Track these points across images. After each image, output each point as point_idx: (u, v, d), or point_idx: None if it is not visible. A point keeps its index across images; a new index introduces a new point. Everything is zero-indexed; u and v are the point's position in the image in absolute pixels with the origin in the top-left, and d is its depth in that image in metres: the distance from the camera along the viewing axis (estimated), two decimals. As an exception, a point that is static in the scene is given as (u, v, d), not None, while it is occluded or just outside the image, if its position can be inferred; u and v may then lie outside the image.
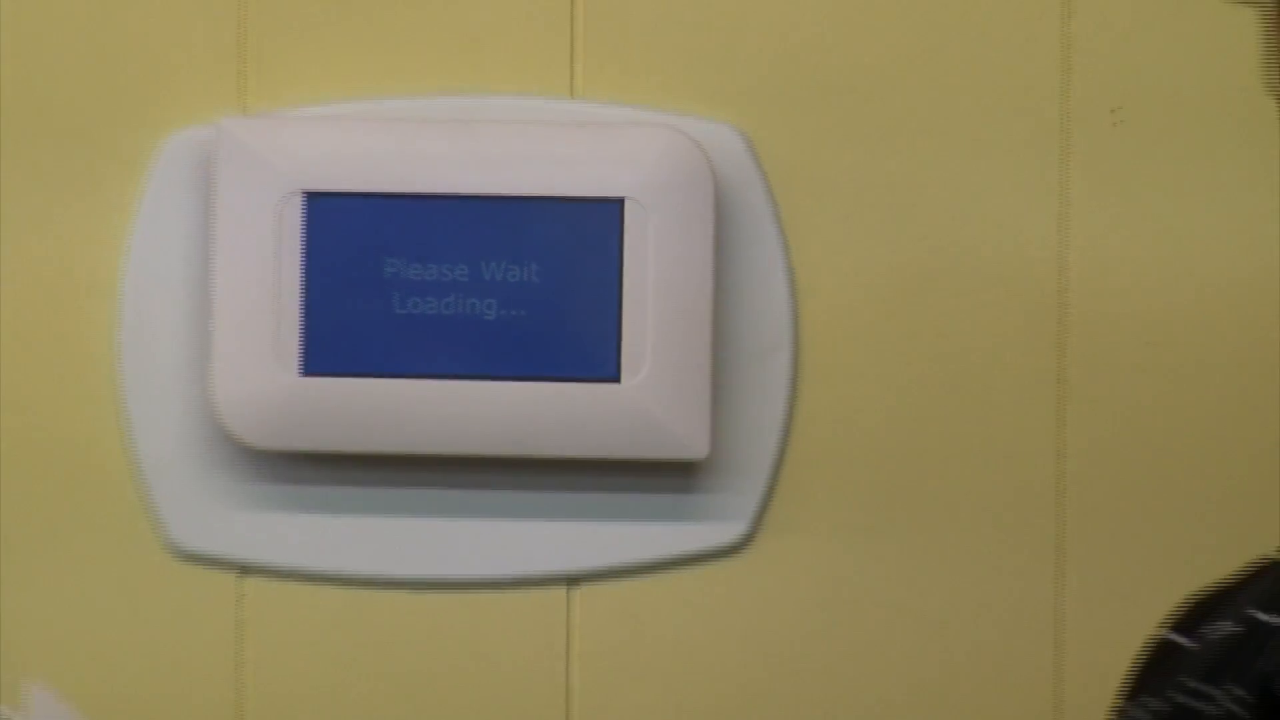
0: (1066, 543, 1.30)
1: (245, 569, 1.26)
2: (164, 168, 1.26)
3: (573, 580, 1.28)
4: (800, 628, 1.32)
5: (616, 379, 1.21)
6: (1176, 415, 1.25)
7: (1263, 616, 1.09)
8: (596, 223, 1.22)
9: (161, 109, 1.29)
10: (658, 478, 1.27)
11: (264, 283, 1.23)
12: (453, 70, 1.31)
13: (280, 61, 1.33)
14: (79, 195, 1.31)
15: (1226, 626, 1.10)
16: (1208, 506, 1.26)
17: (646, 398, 1.23)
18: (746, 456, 1.26)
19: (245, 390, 1.22)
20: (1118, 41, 1.30)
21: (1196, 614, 1.05)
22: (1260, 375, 1.27)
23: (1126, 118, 1.40)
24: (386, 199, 1.22)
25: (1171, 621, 1.05)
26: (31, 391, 1.31)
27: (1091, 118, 1.31)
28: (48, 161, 1.31)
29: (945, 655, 1.36)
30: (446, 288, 1.22)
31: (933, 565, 1.33)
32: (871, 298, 1.31)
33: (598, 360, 1.22)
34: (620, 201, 1.22)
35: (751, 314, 1.27)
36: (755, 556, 1.27)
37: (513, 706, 1.34)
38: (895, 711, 1.34)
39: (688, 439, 1.22)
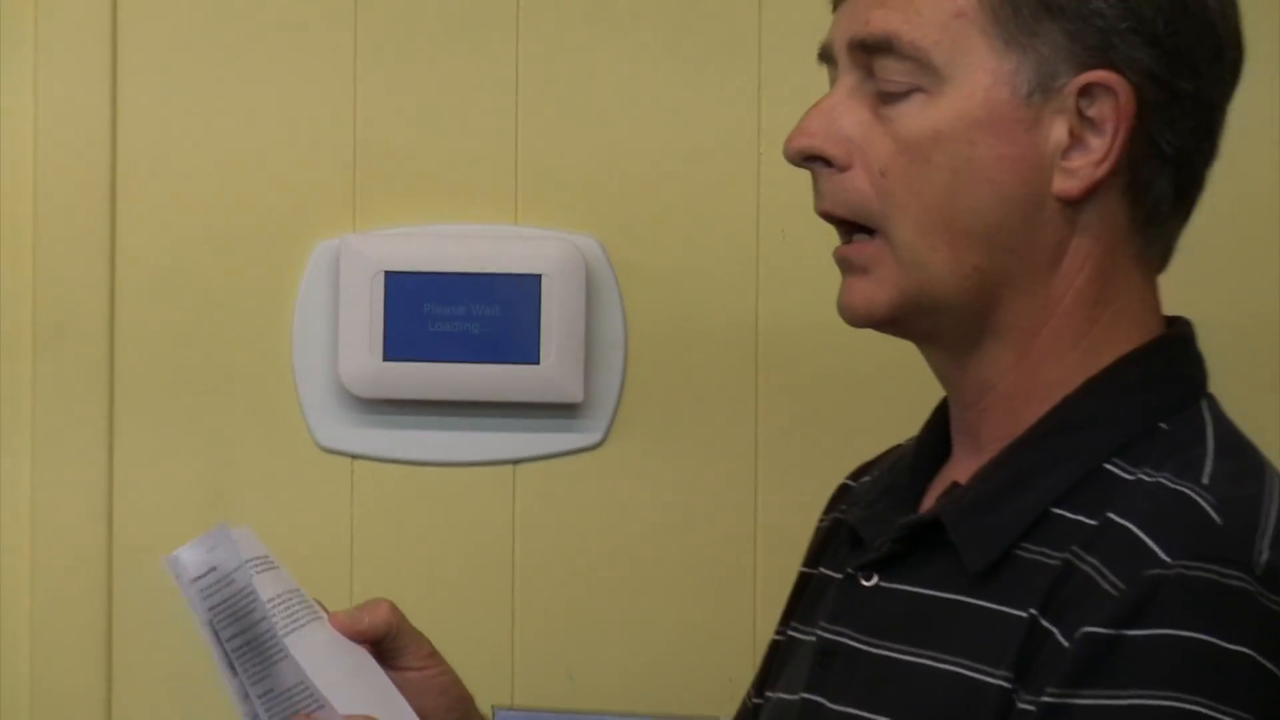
0: (760, 451, 1.99)
1: (354, 456, 2.01)
2: (314, 261, 2.03)
3: (517, 462, 2.02)
4: (627, 483, 2.03)
5: (538, 363, 1.98)
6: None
7: (850, 483, 1.64)
8: (529, 286, 1.98)
9: (311, 230, 2.03)
10: (559, 411, 2.02)
11: (364, 315, 1.98)
12: (456, 208, 2.03)
13: (371, 205, 2.04)
14: (269, 276, 2.05)
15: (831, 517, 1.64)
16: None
17: (553, 372, 1.98)
18: (601, 401, 2.02)
19: (354, 368, 1.99)
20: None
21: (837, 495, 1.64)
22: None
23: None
24: (424, 273, 1.99)
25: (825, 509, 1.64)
26: (250, 375, 2.05)
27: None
28: (249, 258, 2.05)
29: (691, 506, 2.03)
30: (453, 318, 1.97)
31: (683, 458, 2.04)
32: (676, 315, 2.02)
33: (529, 353, 1.98)
34: (540, 275, 1.98)
35: (606, 330, 2.01)
36: (606, 451, 2.01)
37: (487, 519, 2.05)
38: (668, 529, 2.02)
39: (572, 391, 1.99)
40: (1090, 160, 1.40)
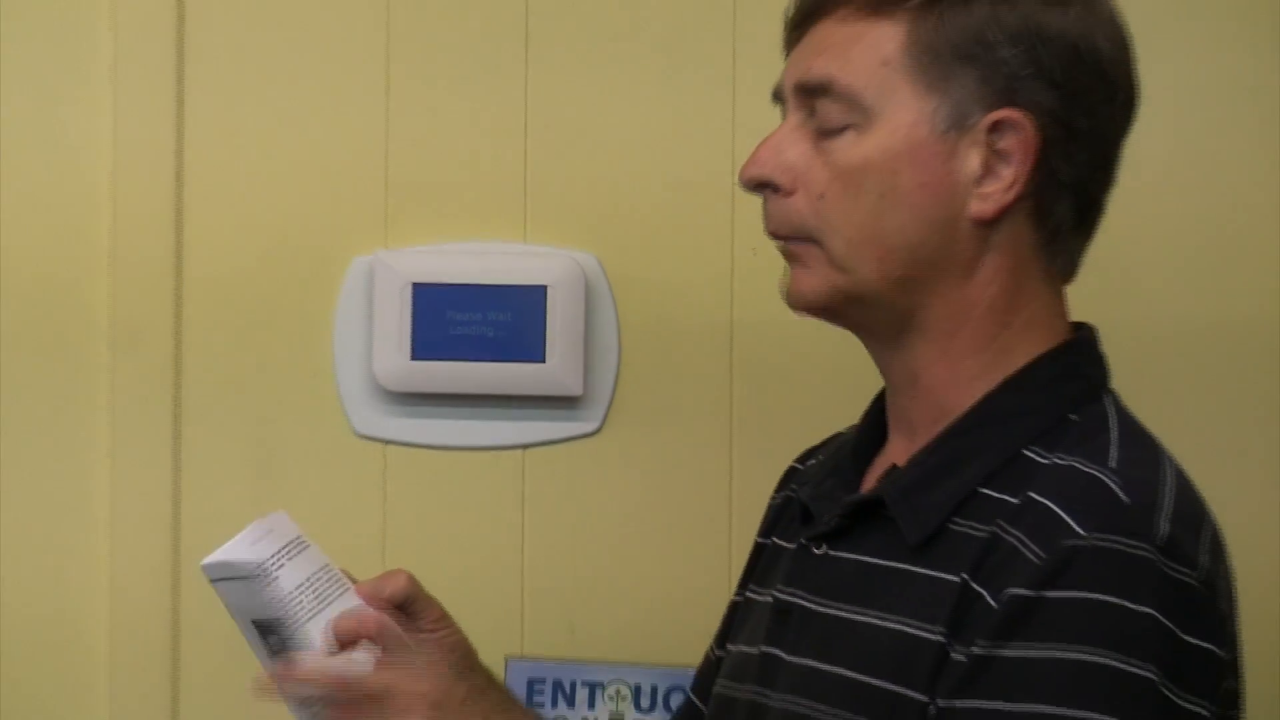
0: (733, 436, 2.09)
1: (386, 442, 2.12)
2: (351, 274, 2.13)
3: (525, 447, 2.13)
4: (620, 465, 2.13)
5: (544, 361, 2.08)
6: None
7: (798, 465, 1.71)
8: (536, 295, 2.08)
9: (348, 246, 2.14)
10: (562, 403, 2.12)
11: (395, 320, 2.08)
12: (474, 228, 2.13)
13: (400, 226, 2.13)
14: (313, 288, 2.15)
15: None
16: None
17: (556, 369, 2.08)
18: (599, 395, 2.13)
19: (386, 365, 2.09)
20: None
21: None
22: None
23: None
24: (446, 285, 2.08)
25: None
26: (297, 372, 2.14)
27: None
28: (296, 272, 2.14)
29: (675, 484, 2.13)
30: (471, 323, 2.09)
31: (669, 443, 2.12)
32: (662, 320, 2.12)
33: (536, 353, 2.09)
34: (545, 286, 2.08)
35: (602, 333, 2.12)
36: (603, 437, 2.13)
37: (500, 496, 2.13)
38: (655, 504, 2.11)
39: (573, 386, 2.09)
40: (1000, 187, 1.46)
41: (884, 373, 1.56)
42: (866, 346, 1.55)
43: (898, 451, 1.55)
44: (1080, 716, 1.36)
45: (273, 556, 1.49)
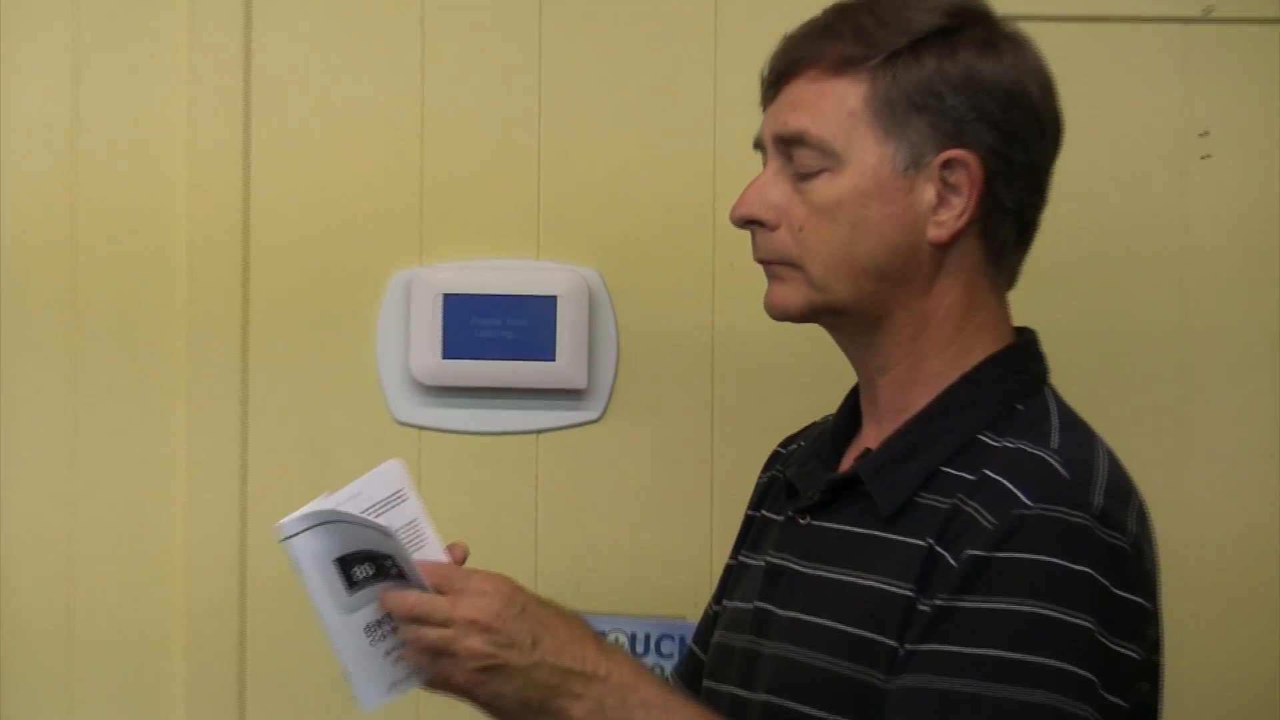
0: (714, 424, 2.17)
1: (421, 428, 2.20)
2: (392, 286, 2.19)
3: (539, 432, 2.20)
4: (619, 447, 2.19)
5: (554, 360, 2.15)
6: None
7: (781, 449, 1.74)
8: (547, 304, 2.15)
9: (389, 263, 2.20)
10: (569, 395, 2.19)
11: (428, 324, 2.15)
12: (495, 247, 2.20)
13: (433, 246, 2.20)
14: (360, 297, 2.20)
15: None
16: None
17: (565, 366, 2.15)
18: (600, 388, 2.19)
19: (421, 363, 2.16)
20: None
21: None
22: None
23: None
24: (471, 295, 2.15)
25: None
26: (346, 368, 2.19)
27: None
28: (346, 284, 2.20)
29: (665, 464, 2.18)
30: (492, 327, 2.15)
31: (659, 429, 2.19)
32: (654, 326, 2.18)
33: (548, 353, 2.16)
34: (555, 296, 2.15)
35: (603, 336, 2.19)
36: (604, 424, 2.20)
37: (517, 473, 2.19)
38: (653, 483, 2.17)
39: (579, 380, 2.16)
40: (952, 214, 1.51)
41: (858, 369, 1.60)
42: (841, 346, 1.59)
43: (870, 437, 1.59)
44: (1026, 659, 1.39)
45: (396, 493, 1.50)
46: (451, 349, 2.17)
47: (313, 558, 1.46)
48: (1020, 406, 1.54)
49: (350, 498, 1.48)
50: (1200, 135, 2.22)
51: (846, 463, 1.61)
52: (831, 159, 1.51)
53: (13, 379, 2.23)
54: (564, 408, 2.22)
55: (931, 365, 1.56)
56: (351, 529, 1.46)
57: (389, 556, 1.47)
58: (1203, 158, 2.23)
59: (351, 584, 1.47)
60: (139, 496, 2.23)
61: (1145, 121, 2.23)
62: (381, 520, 1.47)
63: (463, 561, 1.56)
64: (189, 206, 2.21)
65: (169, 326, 2.22)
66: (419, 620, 1.47)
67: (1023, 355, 1.59)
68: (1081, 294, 2.22)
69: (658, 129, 2.19)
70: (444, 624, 1.46)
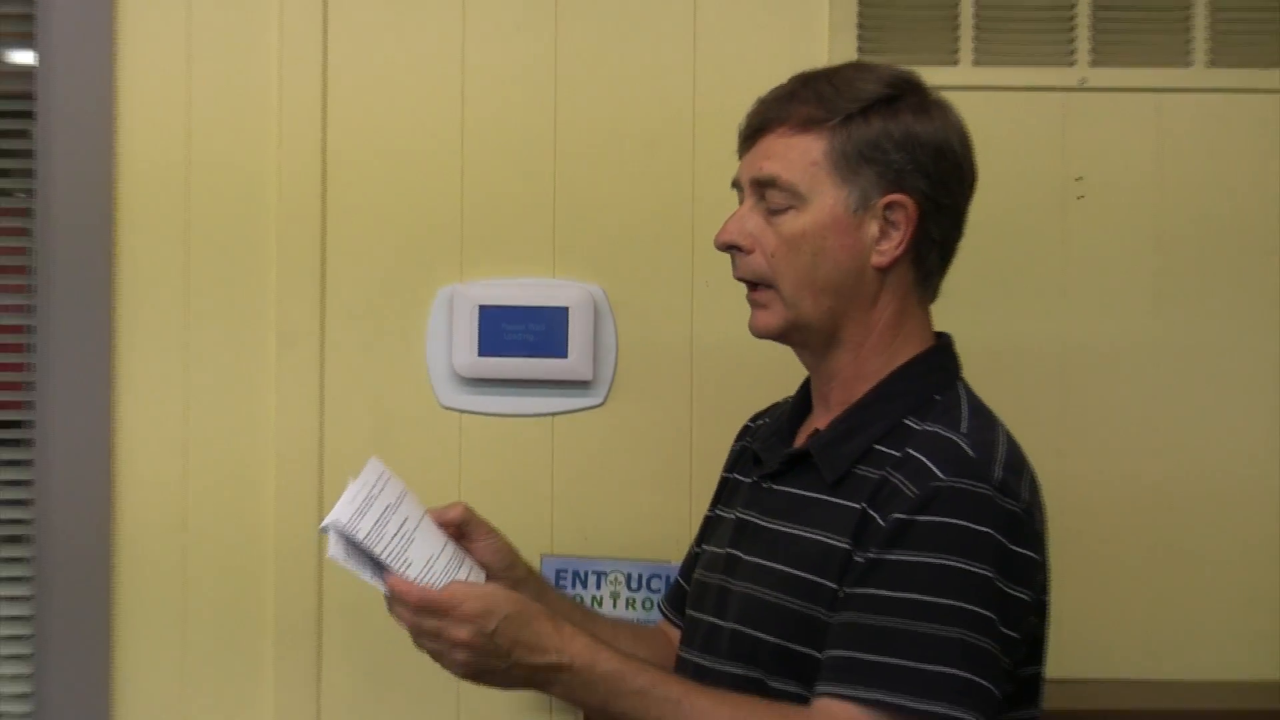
0: (693, 408, 2.23)
1: (461, 411, 2.24)
2: (438, 299, 2.22)
3: (554, 415, 2.24)
4: (617, 427, 2.22)
5: (567, 358, 2.20)
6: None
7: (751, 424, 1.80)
8: (561, 313, 2.19)
9: (436, 280, 2.24)
10: (578, 386, 2.23)
11: (467, 329, 2.19)
12: (519, 267, 2.24)
13: (471, 266, 2.23)
14: (413, 308, 2.24)
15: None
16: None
17: (575, 363, 2.20)
18: (603, 380, 2.23)
19: (461, 359, 2.20)
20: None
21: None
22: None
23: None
24: (502, 306, 2.19)
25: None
26: (402, 365, 2.21)
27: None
28: (402, 297, 2.24)
29: (653, 439, 2.20)
30: (518, 331, 2.19)
31: (650, 412, 2.22)
32: (645, 331, 2.23)
33: (561, 352, 2.20)
34: (567, 308, 2.19)
35: (605, 339, 2.23)
36: (606, 408, 2.24)
37: (536, 448, 2.22)
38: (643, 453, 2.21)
39: (586, 374, 2.21)
40: (892, 245, 1.55)
41: (811, 370, 1.64)
42: (799, 354, 1.63)
43: (819, 420, 1.63)
44: (940, 601, 1.42)
45: (355, 513, 1.49)
46: (485, 349, 2.21)
47: (349, 554, 1.52)
48: (938, 397, 1.57)
49: (351, 498, 1.51)
50: (1076, 179, 2.29)
51: (800, 440, 1.64)
52: (798, 199, 1.54)
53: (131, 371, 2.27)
54: (574, 395, 2.25)
55: (871, 365, 1.59)
56: (354, 542, 1.50)
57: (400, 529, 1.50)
58: (1078, 198, 2.29)
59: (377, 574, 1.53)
60: (240, 462, 2.27)
61: (1032, 168, 2.29)
62: (367, 517, 1.49)
63: (462, 519, 1.60)
64: (279, 243, 2.25)
65: (263, 329, 2.26)
66: (417, 631, 1.50)
67: (941, 355, 1.61)
68: (983, 307, 2.27)
69: (648, 175, 2.24)
70: (435, 636, 1.49)
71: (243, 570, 2.26)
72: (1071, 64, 2.31)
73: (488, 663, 1.48)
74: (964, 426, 1.53)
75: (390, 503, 1.51)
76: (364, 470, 1.52)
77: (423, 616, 1.48)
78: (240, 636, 2.26)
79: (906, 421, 1.55)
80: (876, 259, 1.56)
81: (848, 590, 1.47)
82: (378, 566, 1.50)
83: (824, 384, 1.62)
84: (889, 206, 1.55)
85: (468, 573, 1.56)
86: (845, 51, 2.26)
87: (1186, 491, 2.31)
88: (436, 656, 1.50)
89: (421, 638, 1.49)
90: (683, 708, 1.47)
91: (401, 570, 1.50)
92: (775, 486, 1.61)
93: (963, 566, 1.44)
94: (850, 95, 1.56)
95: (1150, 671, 2.29)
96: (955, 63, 2.27)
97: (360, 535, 1.48)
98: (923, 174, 1.56)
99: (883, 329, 1.59)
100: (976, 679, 1.41)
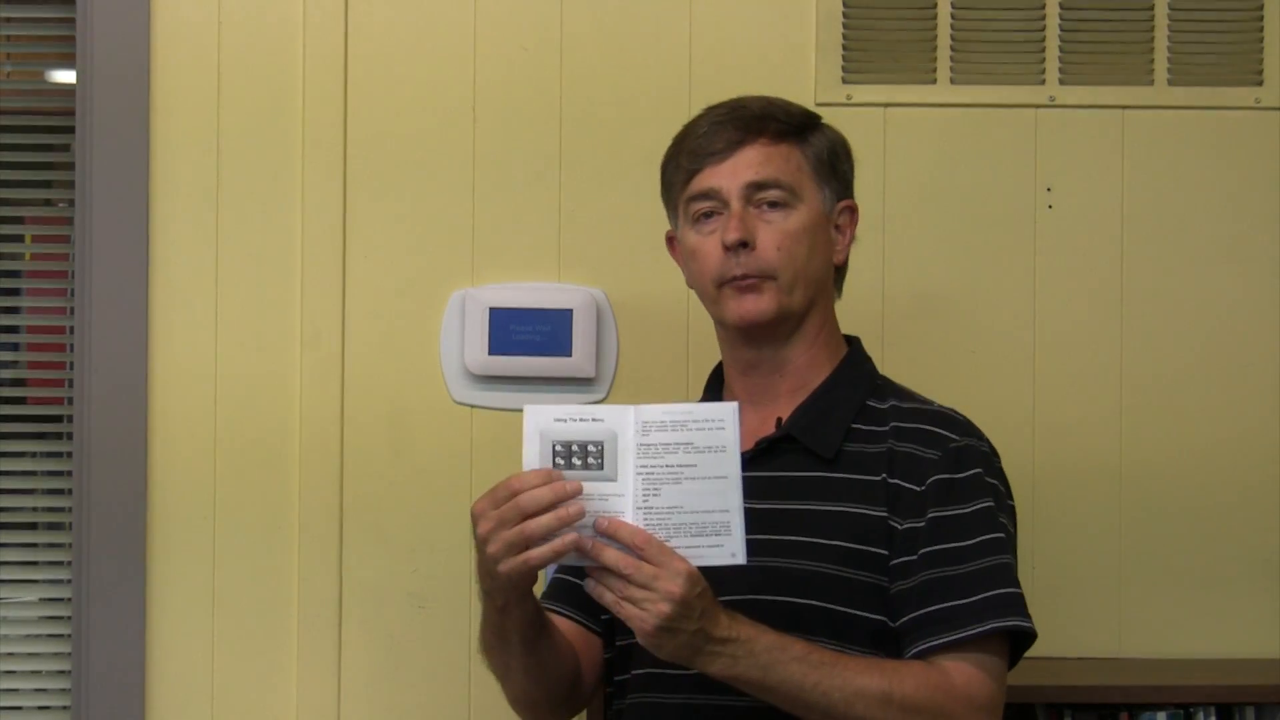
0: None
1: (473, 406, 2.35)
2: (451, 305, 2.32)
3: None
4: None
5: (571, 356, 2.30)
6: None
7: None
8: (566, 315, 2.29)
9: (450, 285, 2.35)
10: (582, 382, 2.33)
11: (478, 330, 2.29)
12: (527, 273, 2.34)
13: (482, 271, 2.34)
14: (428, 310, 2.34)
15: None
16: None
17: (578, 361, 2.31)
18: (604, 377, 2.33)
19: (473, 358, 2.31)
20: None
21: None
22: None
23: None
24: (510, 308, 2.29)
25: None
26: (418, 363, 2.32)
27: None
28: (418, 300, 2.34)
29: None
30: (525, 332, 2.29)
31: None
32: (642, 333, 2.33)
33: (566, 351, 2.30)
34: (571, 309, 2.29)
35: (606, 340, 2.33)
36: (607, 403, 2.28)
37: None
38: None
39: (589, 371, 2.31)
40: (845, 243, 1.75)
41: (761, 363, 1.73)
42: (755, 347, 1.72)
43: (766, 410, 1.73)
44: (990, 536, 1.64)
45: (656, 414, 1.56)
46: (495, 348, 2.31)
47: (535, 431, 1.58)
48: (879, 382, 1.75)
49: (667, 409, 1.55)
50: (1046, 190, 2.37)
51: (754, 429, 1.73)
52: (793, 198, 1.69)
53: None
54: (578, 391, 2.34)
55: (821, 354, 1.74)
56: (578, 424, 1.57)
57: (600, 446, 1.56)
58: (1048, 207, 2.38)
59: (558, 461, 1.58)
60: (269, 450, 2.36)
61: (1005, 180, 2.39)
62: (687, 431, 1.52)
63: None
64: (304, 250, 2.36)
65: (285, 333, 2.36)
66: (624, 575, 1.55)
67: (862, 350, 1.79)
68: (960, 307, 2.37)
69: (645, 190, 2.14)
70: (644, 585, 1.54)
71: (269, 550, 2.36)
72: (1041, 82, 2.40)
73: (682, 623, 1.53)
74: (928, 400, 1.73)
75: (695, 442, 1.54)
76: (714, 405, 1.56)
77: (647, 555, 1.53)
78: (268, 613, 2.36)
79: (869, 403, 1.70)
80: (837, 257, 1.74)
81: (922, 552, 1.62)
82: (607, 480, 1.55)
83: (770, 375, 1.73)
84: (845, 210, 1.74)
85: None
86: (832, 73, 2.34)
87: (1148, 474, 2.39)
88: (631, 601, 1.54)
89: (627, 578, 1.53)
90: (836, 669, 1.58)
91: (640, 497, 1.56)
92: (754, 472, 1.66)
93: (993, 506, 1.65)
94: (799, 114, 1.74)
95: (1117, 650, 2.36)
96: (933, 81, 2.36)
97: (641, 435, 1.52)
98: (851, 182, 1.77)
99: (829, 322, 1.75)
100: (1021, 591, 1.64)
